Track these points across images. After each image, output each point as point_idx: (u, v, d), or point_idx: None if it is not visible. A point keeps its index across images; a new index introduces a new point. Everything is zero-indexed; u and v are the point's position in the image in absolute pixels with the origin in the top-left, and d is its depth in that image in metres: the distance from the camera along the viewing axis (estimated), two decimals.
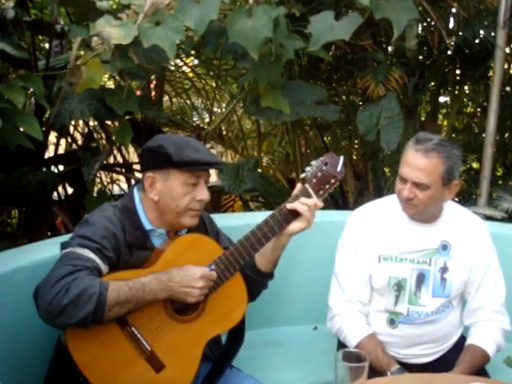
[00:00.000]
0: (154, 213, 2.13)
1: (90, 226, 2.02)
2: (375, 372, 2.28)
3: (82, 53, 3.19)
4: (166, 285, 1.97)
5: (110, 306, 1.86)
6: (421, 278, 2.39)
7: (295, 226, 2.11)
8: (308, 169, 2.13)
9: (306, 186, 2.11)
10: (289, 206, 2.09)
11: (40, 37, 4.09)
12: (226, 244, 2.34)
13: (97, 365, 1.95)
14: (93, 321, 1.85)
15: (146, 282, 1.95)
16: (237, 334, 2.22)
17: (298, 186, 2.14)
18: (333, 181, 2.13)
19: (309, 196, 2.10)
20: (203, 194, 2.11)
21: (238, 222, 2.91)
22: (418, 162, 2.23)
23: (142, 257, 2.10)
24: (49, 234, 4.01)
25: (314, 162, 2.15)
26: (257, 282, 2.25)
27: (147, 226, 2.13)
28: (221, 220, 2.56)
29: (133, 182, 4.34)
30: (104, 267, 1.97)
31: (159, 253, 2.10)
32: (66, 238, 2.07)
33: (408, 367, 2.37)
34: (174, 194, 2.07)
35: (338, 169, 2.13)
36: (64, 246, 2.01)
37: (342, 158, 2.14)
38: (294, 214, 2.09)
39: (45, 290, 1.84)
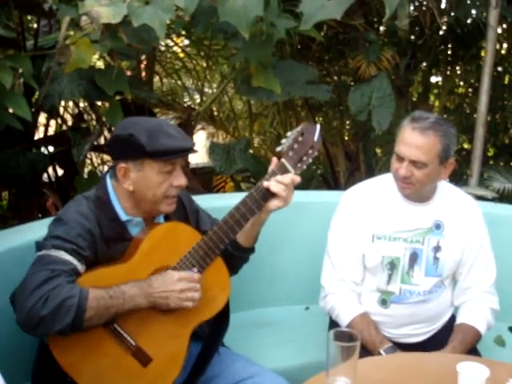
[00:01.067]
0: (129, 202, 2.06)
1: (64, 225, 1.95)
2: (367, 351, 2.29)
3: (71, 32, 3.16)
4: (145, 291, 1.92)
5: (90, 316, 1.82)
6: (414, 257, 2.40)
7: (273, 204, 2.04)
8: (284, 141, 2.06)
9: (283, 160, 2.04)
10: (265, 184, 2.02)
11: (28, 16, 4.05)
12: (206, 222, 2.31)
13: (82, 366, 1.92)
14: (72, 330, 1.82)
15: (127, 289, 1.90)
16: (221, 317, 2.17)
17: (274, 160, 2.06)
18: (310, 151, 2.06)
19: (286, 171, 2.03)
20: (180, 180, 2.04)
21: (229, 203, 2.89)
22: (416, 141, 2.22)
23: (120, 248, 2.06)
24: (39, 215, 3.99)
25: (289, 134, 2.07)
26: (238, 257, 2.22)
27: (123, 216, 2.07)
28: (212, 201, 2.56)
29: None
30: (81, 267, 1.92)
31: (137, 242, 2.04)
32: None
33: (400, 347, 2.38)
34: (149, 184, 2.00)
35: (315, 138, 2.05)
36: (39, 246, 1.95)
37: (318, 126, 2.07)
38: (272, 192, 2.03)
39: (22, 298, 1.80)
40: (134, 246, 2.05)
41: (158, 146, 1.94)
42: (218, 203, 2.77)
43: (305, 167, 2.08)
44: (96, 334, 1.91)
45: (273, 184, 2.01)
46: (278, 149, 2.07)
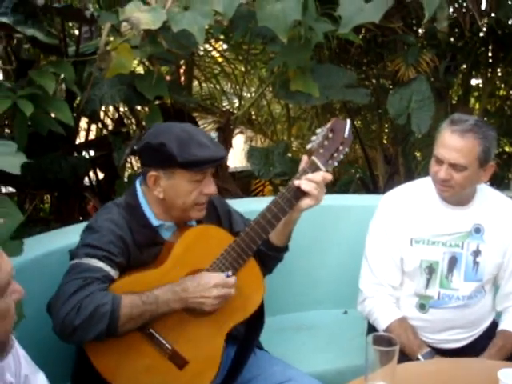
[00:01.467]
0: (160, 208, 2.07)
1: (96, 233, 1.97)
2: (405, 356, 2.26)
3: (112, 38, 3.20)
4: (179, 296, 1.92)
5: (124, 322, 1.84)
6: (453, 262, 2.37)
7: (305, 202, 2.02)
8: (314, 138, 2.04)
9: (313, 158, 2.01)
10: (296, 183, 2.00)
11: (70, 23, 4.11)
12: (239, 223, 2.31)
13: (119, 370, 1.95)
14: (107, 336, 1.84)
15: (160, 294, 1.91)
16: (256, 317, 2.15)
17: (305, 158, 2.04)
18: (341, 147, 2.03)
19: (316, 169, 2.01)
20: (210, 188, 2.04)
21: None
22: (455, 143, 2.20)
23: (153, 252, 2.07)
24: (80, 218, 4.05)
25: (319, 131, 2.05)
26: (272, 256, 2.21)
27: (154, 222, 2.08)
28: (251, 204, 2.56)
29: None
30: (114, 273, 1.94)
31: (170, 246, 2.05)
32: None
33: (439, 352, 2.36)
34: (180, 192, 2.01)
35: (346, 134, 2.03)
36: (72, 255, 1.97)
37: (348, 121, 2.05)
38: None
39: (56, 307, 1.83)
40: (166, 250, 2.05)
41: (190, 156, 1.94)
42: (257, 206, 2.75)
43: (336, 164, 2.06)
44: (132, 338, 1.93)
45: (304, 182, 1.99)
46: (308, 146, 2.04)
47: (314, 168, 2.02)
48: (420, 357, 2.29)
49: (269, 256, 2.20)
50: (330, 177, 2.03)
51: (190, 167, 1.96)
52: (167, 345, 1.98)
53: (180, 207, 2.04)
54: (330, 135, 2.02)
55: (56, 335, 1.85)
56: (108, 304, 1.81)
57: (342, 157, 2.06)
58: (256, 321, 2.18)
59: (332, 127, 2.03)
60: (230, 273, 2.01)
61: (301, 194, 2.01)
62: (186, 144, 1.95)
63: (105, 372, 1.93)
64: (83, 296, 1.81)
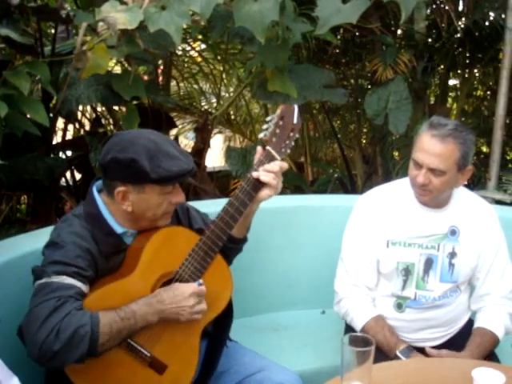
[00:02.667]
0: (125, 218, 2.03)
1: (61, 249, 1.90)
2: (382, 354, 2.28)
3: (88, 38, 3.18)
4: (156, 308, 1.91)
5: (104, 341, 1.81)
6: (429, 263, 2.38)
7: (264, 193, 2.05)
8: (265, 127, 2.07)
9: (268, 148, 2.04)
10: (255, 174, 2.03)
11: (46, 23, 4.08)
12: (197, 219, 2.30)
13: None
14: (88, 357, 1.80)
15: (137, 309, 1.88)
16: (225, 312, 2.15)
17: (259, 149, 2.06)
18: (292, 134, 2.08)
19: (272, 158, 2.04)
20: (178, 197, 2.02)
21: None
22: (434, 148, 2.20)
23: (119, 260, 2.04)
24: (57, 219, 4.02)
25: (269, 118, 2.08)
26: (232, 248, 2.22)
27: (118, 229, 2.03)
28: None
29: None
30: (85, 288, 1.89)
31: (134, 251, 2.03)
32: None
33: (416, 351, 2.36)
34: (150, 204, 1.98)
35: (295, 120, 2.07)
36: (38, 274, 1.89)
37: (296, 106, 2.08)
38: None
39: (32, 331, 1.76)
40: (132, 256, 2.03)
41: (162, 171, 1.91)
42: None
43: (289, 151, 2.10)
44: (111, 351, 1.90)
45: (263, 174, 2.02)
46: (261, 135, 2.08)
47: (269, 158, 2.05)
48: (398, 353, 2.29)
49: (229, 248, 2.20)
50: (286, 165, 2.07)
51: (163, 182, 1.94)
52: (146, 352, 1.97)
53: (149, 218, 2.02)
54: (281, 123, 2.06)
55: (33, 361, 1.78)
56: (87, 325, 1.77)
57: (293, 143, 2.10)
58: (225, 317, 2.18)
59: (282, 114, 2.06)
60: (201, 281, 2.01)
61: (260, 185, 2.04)
62: (155, 157, 1.91)
63: None
64: (60, 318, 1.76)
